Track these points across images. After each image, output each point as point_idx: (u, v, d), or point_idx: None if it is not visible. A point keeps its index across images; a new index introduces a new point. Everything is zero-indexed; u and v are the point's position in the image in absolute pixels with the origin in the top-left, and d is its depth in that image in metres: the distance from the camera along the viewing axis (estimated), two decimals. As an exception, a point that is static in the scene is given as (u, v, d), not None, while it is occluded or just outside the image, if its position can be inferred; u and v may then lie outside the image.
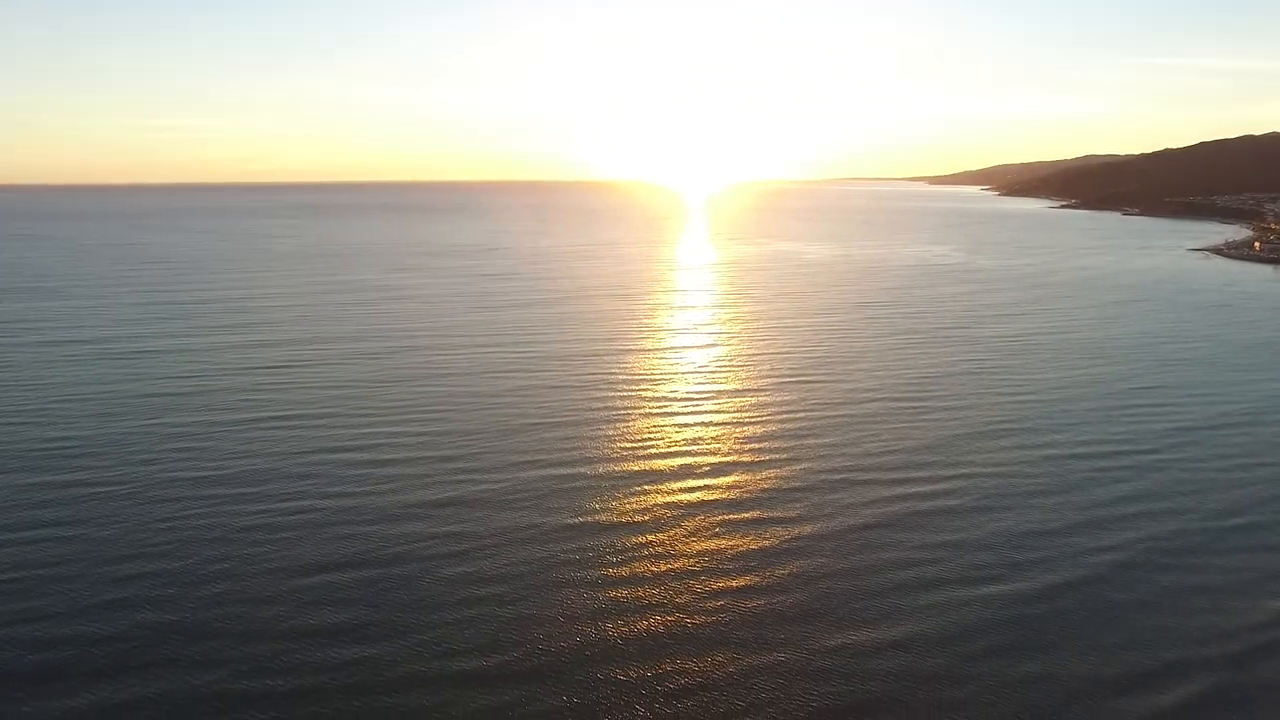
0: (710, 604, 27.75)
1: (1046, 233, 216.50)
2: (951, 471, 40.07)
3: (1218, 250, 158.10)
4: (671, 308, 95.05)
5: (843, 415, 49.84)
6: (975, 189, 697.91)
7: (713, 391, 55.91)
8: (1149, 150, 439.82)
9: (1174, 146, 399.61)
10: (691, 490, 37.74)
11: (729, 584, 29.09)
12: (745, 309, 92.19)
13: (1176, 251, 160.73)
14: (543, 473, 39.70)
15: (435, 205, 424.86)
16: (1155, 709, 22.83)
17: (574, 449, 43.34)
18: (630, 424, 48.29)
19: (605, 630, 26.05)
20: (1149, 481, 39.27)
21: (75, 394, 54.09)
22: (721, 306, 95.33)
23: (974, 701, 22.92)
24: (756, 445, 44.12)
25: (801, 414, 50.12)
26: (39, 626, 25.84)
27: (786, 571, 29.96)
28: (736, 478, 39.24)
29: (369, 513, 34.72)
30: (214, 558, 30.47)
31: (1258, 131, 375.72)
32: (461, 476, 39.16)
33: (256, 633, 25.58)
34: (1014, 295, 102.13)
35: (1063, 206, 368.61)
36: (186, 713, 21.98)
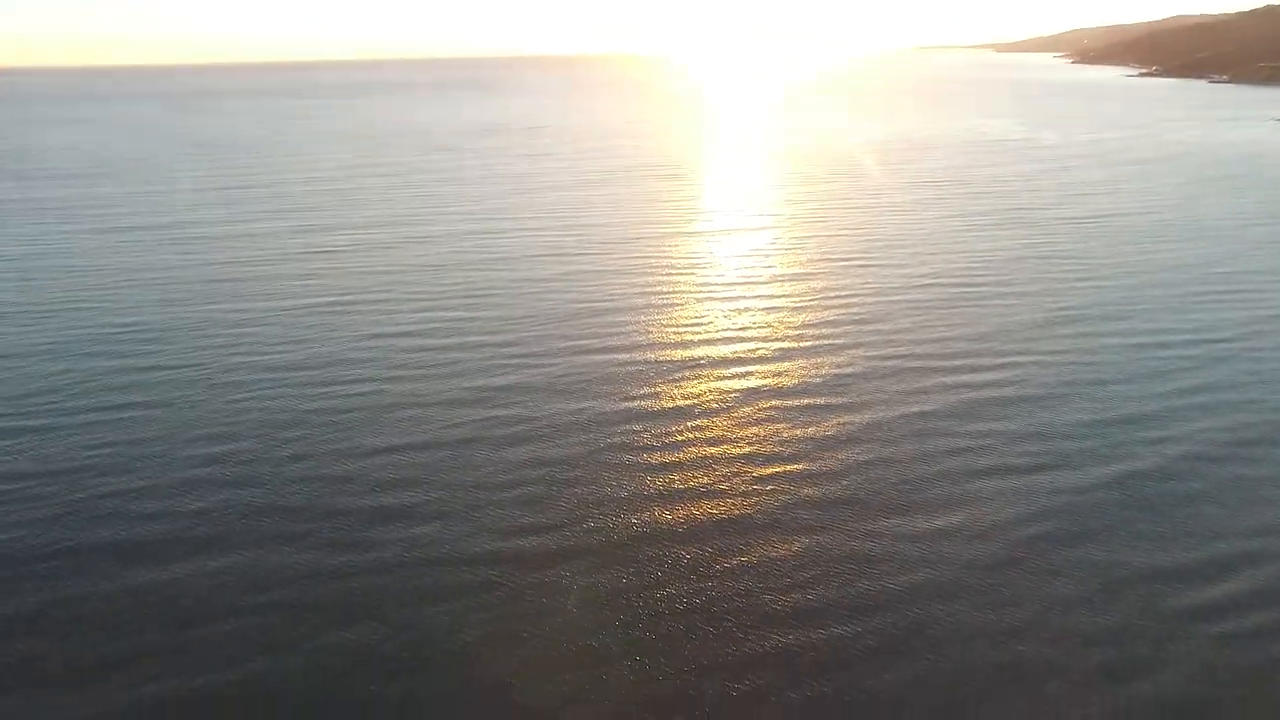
0: (761, 488, 28.24)
1: (1122, 104, 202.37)
2: (1013, 360, 39.27)
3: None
4: (718, 189, 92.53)
5: (900, 301, 48.79)
6: (1047, 56, 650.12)
7: (765, 276, 55.02)
8: (1246, 8, 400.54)
9: (1276, 2, 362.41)
10: (744, 376, 37.78)
11: (780, 469, 29.47)
12: (795, 190, 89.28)
13: (1267, 123, 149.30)
14: (596, 358, 40.06)
15: (460, 82, 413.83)
16: (1218, 597, 22.94)
17: (626, 335, 43.49)
18: (681, 309, 48.07)
19: (659, 513, 26.82)
20: (1224, 371, 38.02)
21: (141, 280, 55.71)
22: (771, 188, 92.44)
23: (1024, 586, 23.31)
24: (810, 331, 43.66)
25: (857, 299, 49.20)
26: (133, 502, 27.63)
27: (839, 458, 30.19)
28: (790, 364, 39.07)
29: (429, 397, 35.68)
30: (288, 439, 31.87)
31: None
32: (517, 361, 39.76)
33: (334, 511, 26.99)
34: (1084, 174, 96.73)
35: (1143, 75, 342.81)
36: (272, 582, 23.55)
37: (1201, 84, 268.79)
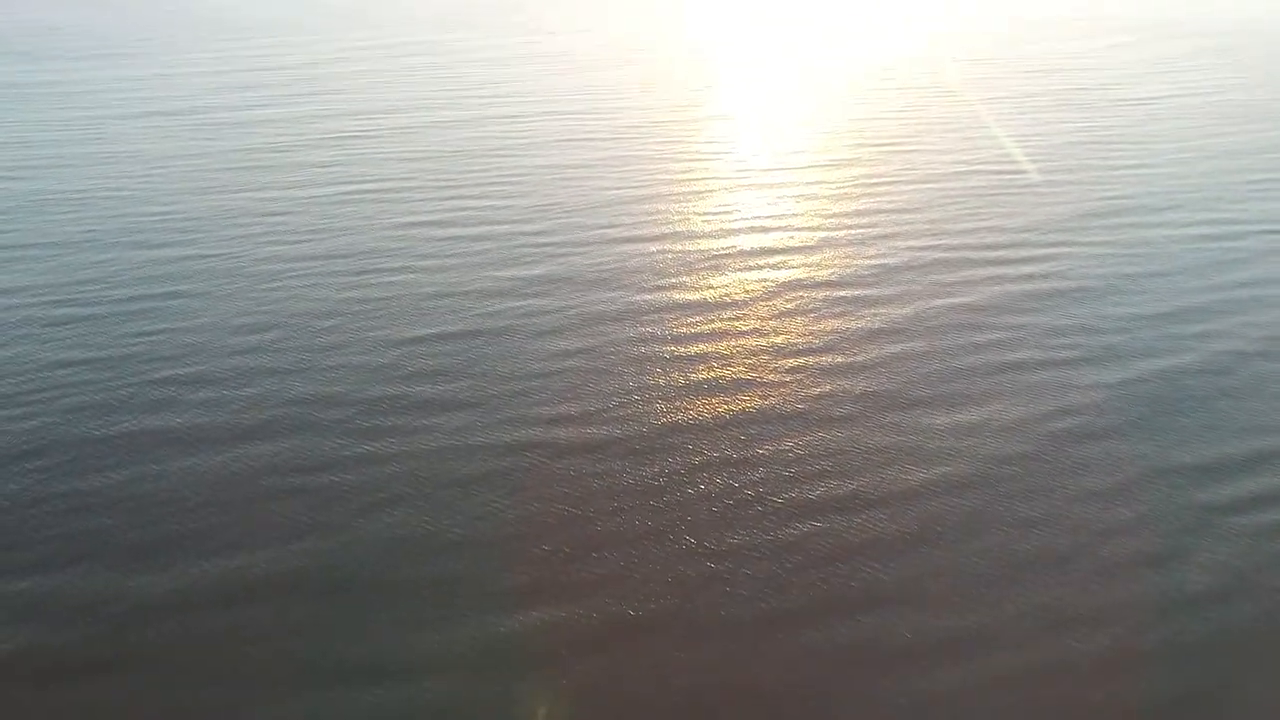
0: (797, 380, 28.30)
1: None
2: (1058, 250, 38.13)
3: None
4: (753, 69, 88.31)
5: (942, 189, 47.14)
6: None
7: (802, 163, 53.27)
8: None
9: None
10: (779, 267, 37.22)
11: (813, 360, 29.42)
12: (833, 69, 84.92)
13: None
14: (630, 248, 39.62)
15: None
16: (1254, 490, 22.86)
17: (660, 224, 42.78)
18: (716, 197, 46.98)
19: (691, 402, 27.09)
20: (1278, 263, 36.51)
21: (171, 167, 55.49)
22: (807, 68, 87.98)
23: (1053, 478, 23.44)
24: (848, 220, 42.55)
25: (896, 187, 47.62)
26: (182, 390, 28.52)
27: (873, 350, 30.00)
28: (827, 254, 38.33)
29: (463, 287, 35.77)
30: (324, 329, 32.36)
31: None
32: (549, 250, 39.49)
33: (371, 399, 27.65)
34: (1149, 49, 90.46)
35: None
36: (314, 466, 24.45)
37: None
